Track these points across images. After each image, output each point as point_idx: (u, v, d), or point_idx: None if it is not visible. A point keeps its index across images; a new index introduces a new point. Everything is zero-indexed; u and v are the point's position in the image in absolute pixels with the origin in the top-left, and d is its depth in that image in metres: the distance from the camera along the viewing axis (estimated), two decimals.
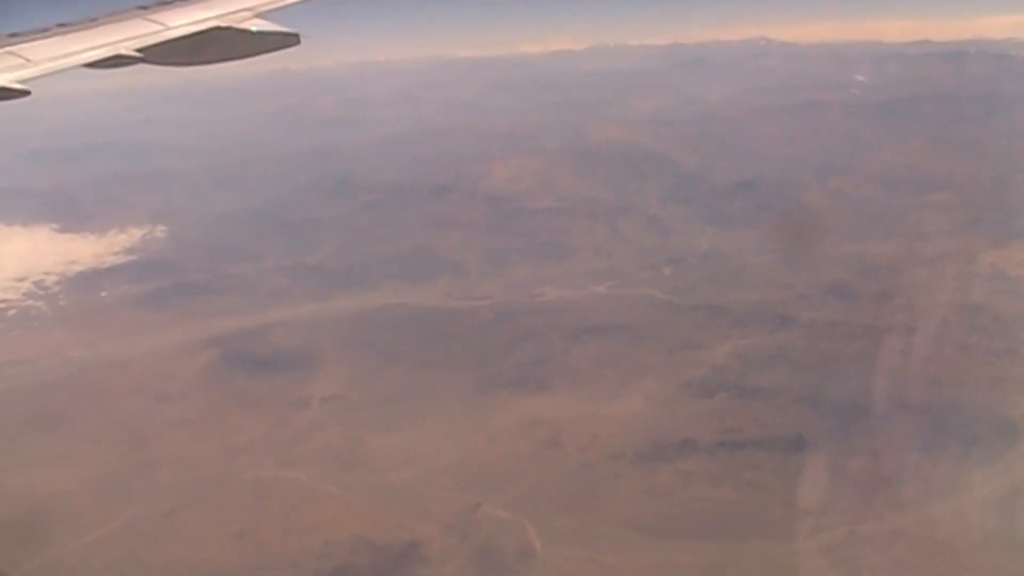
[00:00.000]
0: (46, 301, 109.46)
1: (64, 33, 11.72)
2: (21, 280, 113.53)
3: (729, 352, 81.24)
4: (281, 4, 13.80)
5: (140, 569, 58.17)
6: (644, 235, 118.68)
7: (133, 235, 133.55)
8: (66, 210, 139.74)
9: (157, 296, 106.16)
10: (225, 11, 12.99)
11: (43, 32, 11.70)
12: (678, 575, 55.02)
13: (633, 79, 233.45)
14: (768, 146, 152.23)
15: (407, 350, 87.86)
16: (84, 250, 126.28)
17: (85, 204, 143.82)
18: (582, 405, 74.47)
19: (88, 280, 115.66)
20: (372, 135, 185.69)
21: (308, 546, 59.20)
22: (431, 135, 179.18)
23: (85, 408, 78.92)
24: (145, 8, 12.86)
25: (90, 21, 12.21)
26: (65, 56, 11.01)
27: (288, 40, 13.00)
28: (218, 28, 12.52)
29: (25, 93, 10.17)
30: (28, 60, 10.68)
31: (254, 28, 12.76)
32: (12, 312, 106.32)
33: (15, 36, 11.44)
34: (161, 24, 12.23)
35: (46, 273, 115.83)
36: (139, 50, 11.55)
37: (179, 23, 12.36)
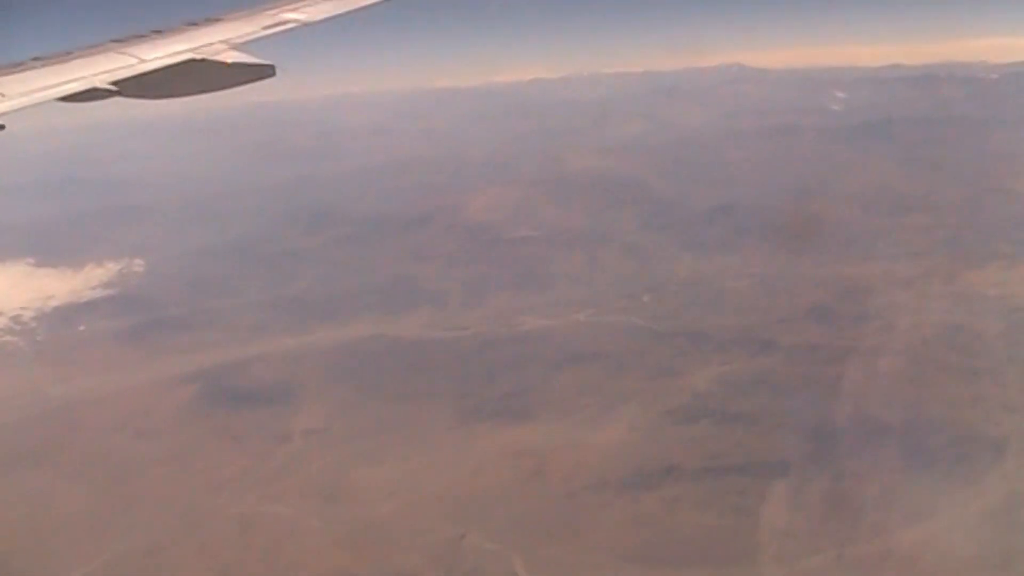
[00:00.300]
0: (23, 336, 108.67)
1: (38, 67, 11.58)
2: None
3: (711, 378, 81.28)
4: (256, 36, 13.69)
5: None
6: (623, 262, 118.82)
7: (110, 270, 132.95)
8: (43, 245, 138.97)
9: (135, 331, 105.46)
10: (200, 43, 12.88)
11: (17, 66, 11.57)
12: None
13: (608, 107, 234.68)
14: (744, 171, 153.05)
15: (388, 382, 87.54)
16: (61, 285, 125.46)
17: (62, 239, 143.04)
18: (565, 434, 74.31)
19: (65, 315, 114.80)
20: (349, 167, 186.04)
21: None
22: (408, 166, 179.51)
23: (64, 445, 78.16)
24: (119, 41, 12.74)
25: (64, 55, 12.09)
26: (39, 90, 10.87)
27: (264, 72, 12.88)
28: (193, 60, 12.39)
29: None
30: (2, 94, 10.54)
31: (229, 60, 12.65)
32: None
33: None
34: (136, 57, 12.10)
35: (23, 308, 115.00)
36: (114, 83, 11.42)
37: (154, 56, 12.23)
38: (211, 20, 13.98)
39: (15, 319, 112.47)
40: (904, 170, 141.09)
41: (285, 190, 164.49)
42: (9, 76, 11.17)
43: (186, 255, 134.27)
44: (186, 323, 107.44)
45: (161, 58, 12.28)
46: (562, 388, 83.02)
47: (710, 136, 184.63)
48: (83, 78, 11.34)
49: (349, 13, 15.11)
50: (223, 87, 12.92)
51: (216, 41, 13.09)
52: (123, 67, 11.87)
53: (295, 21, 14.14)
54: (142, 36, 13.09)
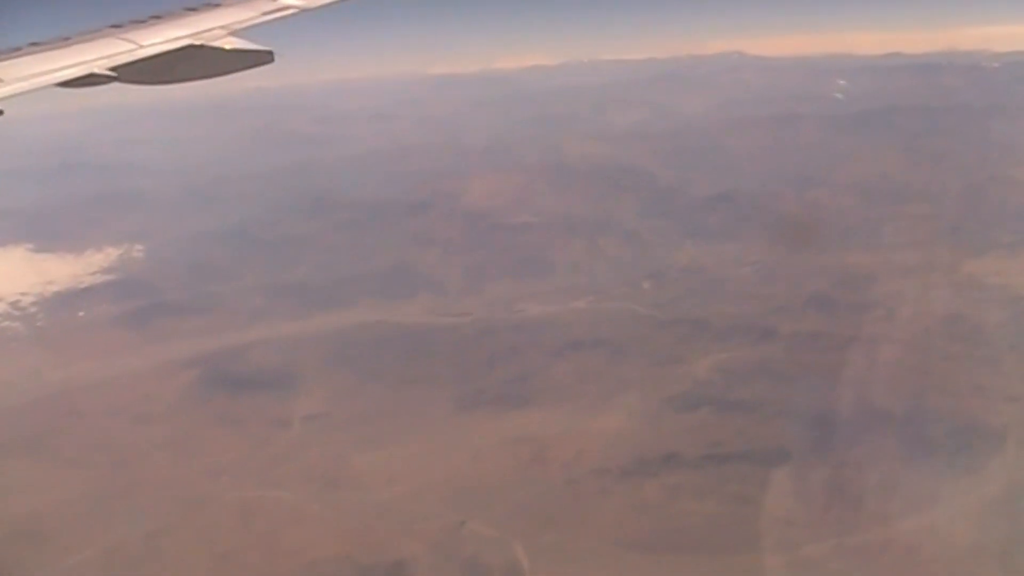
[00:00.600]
0: (23, 322, 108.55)
1: (37, 52, 11.50)
2: None
3: (711, 365, 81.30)
4: (255, 22, 13.60)
5: None
6: (623, 249, 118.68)
7: (110, 255, 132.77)
8: (42, 230, 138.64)
9: (135, 316, 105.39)
10: (199, 29, 12.81)
11: (15, 51, 11.49)
12: None
13: (608, 94, 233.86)
14: (745, 159, 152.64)
15: (388, 368, 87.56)
16: (61, 270, 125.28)
17: (61, 224, 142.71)
18: (566, 421, 74.36)
19: (65, 300, 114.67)
20: (348, 152, 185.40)
21: (293, 567, 58.90)
22: (407, 152, 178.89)
23: (63, 430, 78.19)
24: (118, 27, 12.66)
25: (63, 40, 11.99)
26: (38, 75, 10.80)
27: (262, 58, 12.83)
28: (192, 46, 12.33)
29: None
30: (1, 80, 10.45)
31: (228, 46, 12.58)
32: None
33: None
34: (134, 43, 12.01)
35: (23, 294, 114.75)
36: (113, 69, 11.34)
37: (152, 42, 12.15)
38: (210, 6, 13.93)
39: (15, 304, 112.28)
40: (905, 159, 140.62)
41: (284, 176, 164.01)
42: (8, 61, 11.10)
43: (186, 240, 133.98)
44: (186, 308, 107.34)
45: (160, 44, 12.20)
46: (562, 375, 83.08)
47: (710, 124, 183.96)
48: (82, 63, 11.26)
49: None
50: (222, 73, 12.85)
51: (215, 27, 13.02)
52: (122, 52, 11.79)
53: (294, 7, 14.07)
54: (141, 22, 13.02)
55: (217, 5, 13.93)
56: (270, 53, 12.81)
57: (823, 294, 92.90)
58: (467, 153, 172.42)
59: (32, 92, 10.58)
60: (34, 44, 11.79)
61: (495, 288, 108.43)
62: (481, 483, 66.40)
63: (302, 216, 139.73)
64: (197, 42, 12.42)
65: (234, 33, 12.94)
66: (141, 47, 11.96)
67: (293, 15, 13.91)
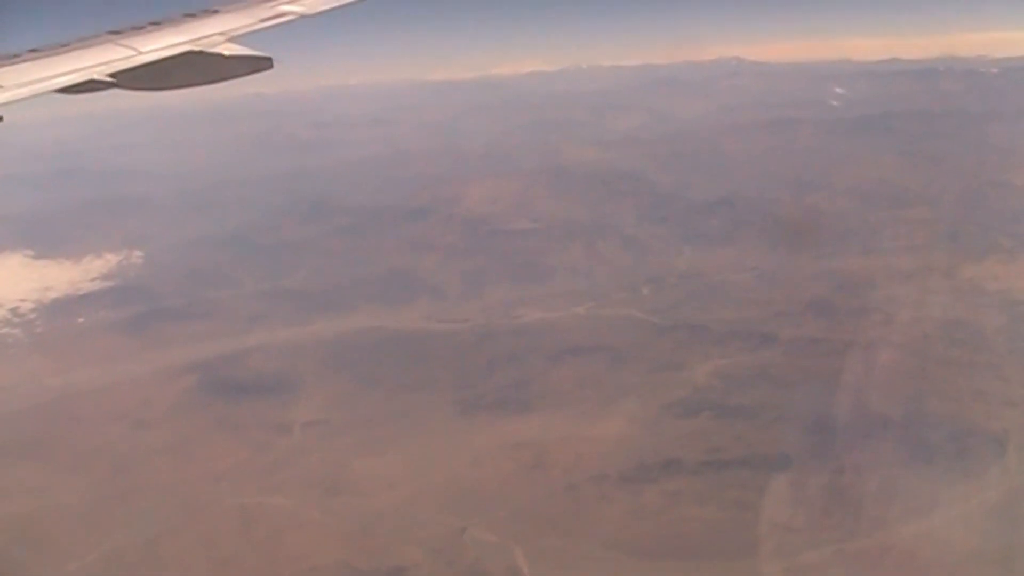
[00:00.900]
0: (22, 328, 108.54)
1: (36, 58, 11.51)
2: None
3: (711, 371, 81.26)
4: (254, 28, 13.61)
5: None
6: (622, 255, 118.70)
7: (109, 261, 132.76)
8: (41, 236, 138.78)
9: (134, 322, 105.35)
10: (197, 35, 12.82)
11: (15, 57, 11.50)
12: None
13: (607, 99, 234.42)
14: (743, 164, 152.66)
15: (387, 373, 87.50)
16: (60, 276, 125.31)
17: (60, 230, 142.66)
18: (565, 426, 74.28)
19: (64, 307, 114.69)
20: (347, 158, 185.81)
21: (293, 572, 58.86)
22: (406, 158, 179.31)
23: (63, 435, 78.13)
24: (117, 33, 12.68)
25: (62, 46, 12.01)
26: (37, 81, 10.81)
27: (261, 64, 12.83)
28: (190, 52, 12.34)
29: None
30: (0, 86, 10.46)
31: (227, 52, 12.58)
32: None
33: None
34: (133, 49, 12.02)
35: (21, 300, 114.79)
36: (111, 75, 11.35)
37: (151, 48, 12.16)
38: (209, 12, 13.93)
39: (14, 311, 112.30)
40: (903, 164, 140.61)
41: (283, 181, 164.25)
42: (7, 68, 11.11)
43: (185, 246, 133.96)
44: (185, 314, 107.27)
45: (159, 50, 12.21)
46: (562, 380, 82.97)
47: (709, 129, 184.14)
48: (81, 70, 11.27)
49: (346, 5, 15.04)
50: (221, 79, 12.85)
51: (214, 33, 13.03)
52: (121, 59, 11.81)
53: (293, 13, 14.07)
54: (140, 28, 13.03)
55: (216, 11, 13.94)
56: (269, 59, 12.82)
57: (822, 299, 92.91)
58: (466, 158, 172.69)
59: (32, 98, 10.59)
60: (34, 50, 11.81)
61: (494, 293, 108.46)
62: (481, 488, 66.33)
63: (301, 221, 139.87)
64: (196, 48, 12.43)
65: (233, 39, 12.95)
66: (140, 53, 11.98)
67: (292, 21, 13.90)
